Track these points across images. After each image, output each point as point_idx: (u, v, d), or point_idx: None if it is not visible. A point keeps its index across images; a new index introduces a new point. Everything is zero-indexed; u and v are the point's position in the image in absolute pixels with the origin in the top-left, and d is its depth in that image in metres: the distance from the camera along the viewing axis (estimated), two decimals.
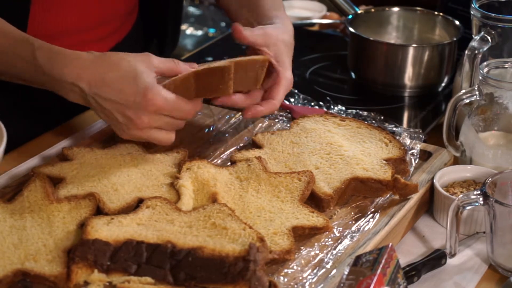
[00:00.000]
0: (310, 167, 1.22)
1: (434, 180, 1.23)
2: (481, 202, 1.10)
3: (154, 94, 1.12)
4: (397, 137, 1.31)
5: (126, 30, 1.49)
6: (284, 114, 1.43)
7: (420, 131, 1.34)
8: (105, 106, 1.14)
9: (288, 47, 1.31)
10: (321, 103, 1.46)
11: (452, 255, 1.13)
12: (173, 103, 1.14)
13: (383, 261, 0.97)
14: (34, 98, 1.38)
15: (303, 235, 1.11)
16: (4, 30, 1.19)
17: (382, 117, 1.40)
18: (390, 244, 1.00)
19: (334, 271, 1.05)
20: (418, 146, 1.31)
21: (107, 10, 1.39)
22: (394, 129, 1.36)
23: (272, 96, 1.26)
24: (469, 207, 1.12)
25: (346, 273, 0.98)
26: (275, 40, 1.28)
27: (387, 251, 0.98)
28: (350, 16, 1.63)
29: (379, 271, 0.95)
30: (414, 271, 1.10)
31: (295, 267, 1.05)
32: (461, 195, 1.12)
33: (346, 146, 1.27)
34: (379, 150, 1.26)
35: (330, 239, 1.11)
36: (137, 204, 1.13)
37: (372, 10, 1.69)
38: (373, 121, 1.39)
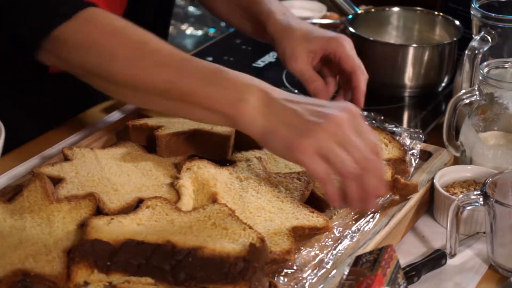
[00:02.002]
0: None
1: (434, 180, 1.23)
2: (481, 202, 1.10)
3: (352, 106, 1.03)
4: (397, 137, 1.31)
5: None
6: None
7: (420, 131, 1.34)
8: (293, 107, 1.01)
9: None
10: None
11: (452, 255, 1.13)
12: (367, 128, 1.01)
13: (383, 261, 0.97)
14: (34, 98, 1.38)
15: (303, 235, 1.11)
16: (172, 52, 1.10)
17: (382, 117, 1.40)
18: (390, 244, 1.00)
19: (334, 271, 1.05)
20: (418, 146, 1.31)
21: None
22: (394, 129, 1.36)
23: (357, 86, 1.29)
24: (469, 207, 1.12)
25: (346, 273, 0.98)
26: (313, 37, 1.28)
27: (387, 251, 0.98)
28: (350, 16, 1.63)
29: (379, 271, 0.95)
30: (414, 271, 1.10)
31: (295, 267, 1.05)
32: (461, 195, 1.12)
33: None
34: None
35: (330, 239, 1.11)
36: (137, 204, 1.13)
37: (372, 10, 1.69)
38: (373, 121, 1.39)
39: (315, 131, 0.98)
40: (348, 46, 1.29)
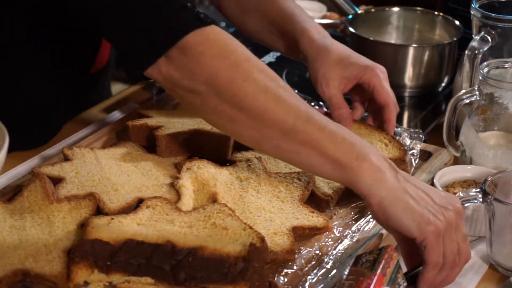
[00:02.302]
0: None
1: (434, 180, 1.23)
2: (480, 200, 1.10)
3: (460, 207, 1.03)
4: (397, 137, 1.31)
5: None
6: None
7: (420, 131, 1.34)
8: (422, 187, 1.03)
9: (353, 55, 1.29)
10: (321, 103, 1.46)
11: None
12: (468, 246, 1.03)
13: (383, 261, 0.97)
14: (34, 98, 1.38)
15: (303, 235, 1.11)
16: (296, 94, 1.08)
17: None
18: (390, 244, 1.00)
19: (334, 271, 1.05)
20: (418, 146, 1.31)
21: None
22: (394, 129, 1.36)
23: (388, 119, 1.28)
24: (468, 205, 1.12)
25: (346, 273, 0.97)
26: (350, 64, 1.26)
27: (387, 251, 0.98)
28: (350, 16, 1.63)
29: (379, 271, 0.95)
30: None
31: (295, 267, 1.05)
32: (461, 192, 1.12)
33: None
34: (379, 151, 1.26)
35: (330, 239, 1.11)
36: (137, 204, 1.13)
37: (372, 10, 1.69)
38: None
39: (446, 217, 1.00)
40: (383, 77, 1.27)
